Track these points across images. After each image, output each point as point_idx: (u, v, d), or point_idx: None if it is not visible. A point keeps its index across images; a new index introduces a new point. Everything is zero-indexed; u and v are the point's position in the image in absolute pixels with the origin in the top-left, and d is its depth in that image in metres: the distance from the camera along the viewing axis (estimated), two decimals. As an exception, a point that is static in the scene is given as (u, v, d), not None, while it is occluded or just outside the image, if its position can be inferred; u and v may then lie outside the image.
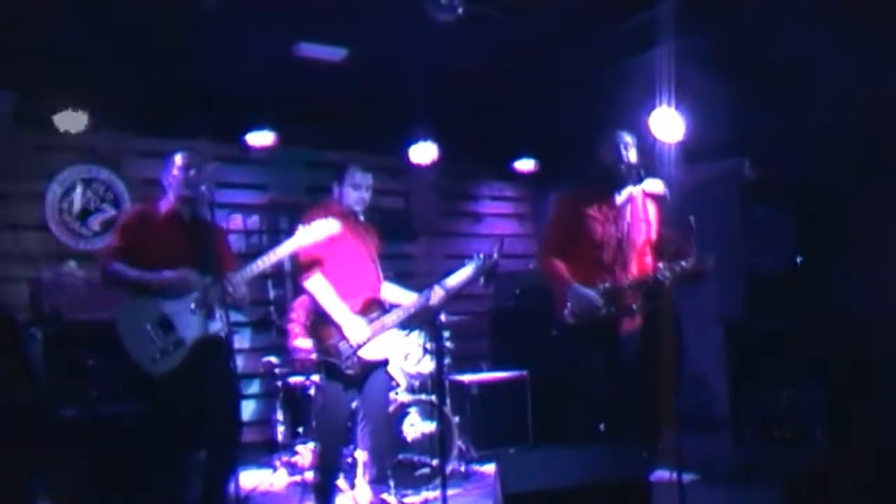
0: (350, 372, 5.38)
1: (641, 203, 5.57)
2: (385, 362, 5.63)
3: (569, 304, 5.43)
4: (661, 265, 5.37)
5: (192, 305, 5.01)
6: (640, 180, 5.40)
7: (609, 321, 5.46)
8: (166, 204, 5.23)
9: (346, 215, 5.57)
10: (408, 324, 5.67)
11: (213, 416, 4.98)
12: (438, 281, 5.57)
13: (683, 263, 5.31)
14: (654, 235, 5.56)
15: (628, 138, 5.55)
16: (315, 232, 5.20)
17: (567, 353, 5.63)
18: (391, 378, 5.99)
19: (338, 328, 5.38)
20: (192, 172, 5.13)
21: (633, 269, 5.53)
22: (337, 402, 5.47)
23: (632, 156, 5.50)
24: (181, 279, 4.99)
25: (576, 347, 5.54)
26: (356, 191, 5.59)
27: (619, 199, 5.57)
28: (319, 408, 5.64)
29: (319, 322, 5.46)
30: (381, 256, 5.80)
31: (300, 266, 5.48)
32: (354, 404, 5.63)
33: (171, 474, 5.07)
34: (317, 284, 5.41)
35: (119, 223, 5.35)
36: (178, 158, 5.21)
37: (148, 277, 4.98)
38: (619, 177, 5.48)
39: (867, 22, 5.57)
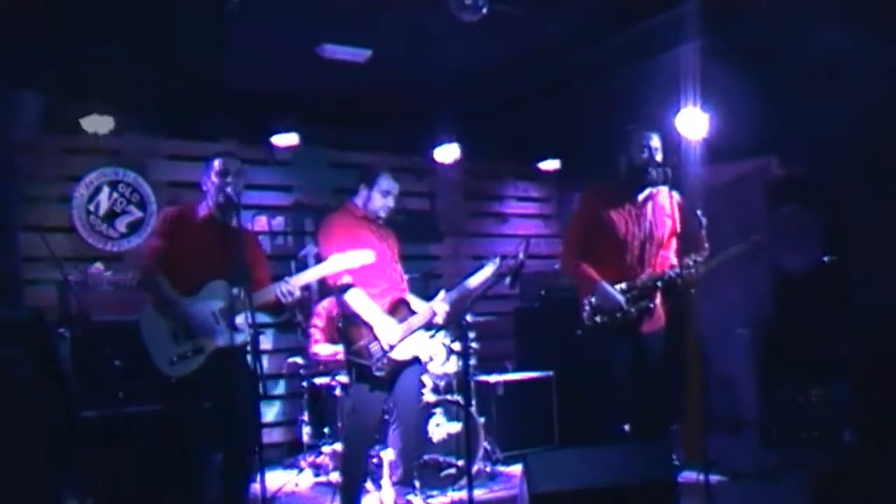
0: (380, 374, 5.36)
1: (666, 198, 5.50)
2: (415, 361, 5.60)
3: (593, 300, 5.40)
4: (674, 262, 5.35)
5: (216, 315, 5.01)
6: (666, 180, 5.35)
7: (631, 321, 5.43)
8: (204, 209, 5.19)
9: (368, 219, 5.58)
10: (432, 325, 5.66)
11: (232, 419, 4.98)
12: (458, 283, 5.58)
13: (697, 258, 5.28)
14: (678, 228, 5.50)
15: (655, 139, 5.50)
16: (349, 261, 5.17)
17: (592, 353, 5.60)
18: (423, 376, 5.97)
19: (369, 329, 5.37)
20: (229, 179, 5.08)
21: (656, 267, 5.49)
22: (366, 404, 5.45)
23: (658, 156, 5.46)
24: (200, 319, 4.95)
25: (600, 347, 5.51)
26: (384, 198, 5.57)
27: (641, 196, 5.52)
28: (349, 410, 5.62)
29: (349, 324, 5.44)
30: (406, 258, 5.80)
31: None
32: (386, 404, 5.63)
33: (194, 475, 5.08)
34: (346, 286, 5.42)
35: (158, 224, 5.32)
36: (217, 164, 5.15)
37: (175, 304, 4.94)
38: (647, 177, 5.43)
39: (894, 17, 5.52)
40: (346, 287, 5.36)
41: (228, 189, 5.06)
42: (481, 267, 5.67)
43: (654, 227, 5.49)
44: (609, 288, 5.37)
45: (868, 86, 5.84)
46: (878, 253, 6.24)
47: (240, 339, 4.98)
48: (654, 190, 5.50)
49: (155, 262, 5.03)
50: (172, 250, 5.05)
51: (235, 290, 4.95)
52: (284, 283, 5.05)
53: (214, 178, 5.12)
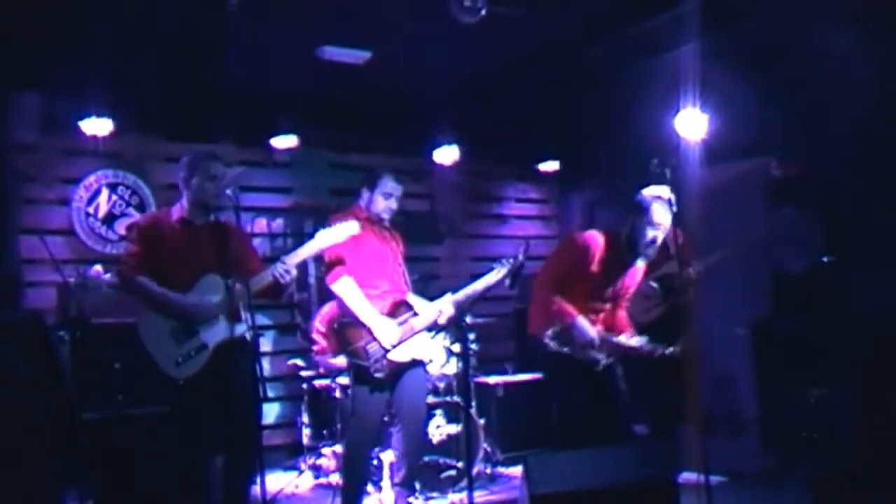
0: (379, 375, 5.34)
1: (641, 270, 5.62)
2: (418, 363, 5.59)
3: (574, 332, 5.41)
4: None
5: (214, 309, 4.99)
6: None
7: (591, 363, 5.48)
8: (178, 210, 5.13)
9: (372, 221, 5.57)
10: (434, 326, 5.65)
11: (235, 419, 4.96)
12: (464, 283, 5.58)
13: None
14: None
15: (667, 217, 5.33)
16: (335, 233, 5.17)
17: (551, 374, 5.71)
18: (427, 379, 5.95)
19: (367, 330, 5.35)
20: (200, 177, 5.02)
21: (616, 318, 5.61)
22: (366, 406, 5.43)
23: (651, 234, 5.40)
24: (200, 307, 4.93)
25: (559, 372, 5.58)
26: (386, 199, 5.57)
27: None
28: (349, 413, 5.61)
29: (346, 325, 5.43)
30: (407, 260, 5.79)
31: (326, 269, 5.47)
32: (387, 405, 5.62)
33: (194, 477, 5.06)
34: (344, 287, 5.40)
35: (133, 231, 5.26)
36: (187, 163, 5.10)
37: (170, 299, 4.92)
38: (641, 257, 5.44)
39: (894, 17, 5.52)
40: (334, 262, 5.37)
41: (204, 187, 5.02)
42: (490, 270, 5.67)
43: (624, 288, 5.58)
44: (586, 326, 5.39)
45: (868, 86, 5.84)
46: (878, 253, 6.24)
47: (240, 330, 4.96)
48: (637, 265, 5.54)
49: (135, 266, 4.99)
50: (154, 255, 5.00)
51: (230, 282, 4.90)
52: (280, 263, 5.03)
53: (186, 178, 5.08)
